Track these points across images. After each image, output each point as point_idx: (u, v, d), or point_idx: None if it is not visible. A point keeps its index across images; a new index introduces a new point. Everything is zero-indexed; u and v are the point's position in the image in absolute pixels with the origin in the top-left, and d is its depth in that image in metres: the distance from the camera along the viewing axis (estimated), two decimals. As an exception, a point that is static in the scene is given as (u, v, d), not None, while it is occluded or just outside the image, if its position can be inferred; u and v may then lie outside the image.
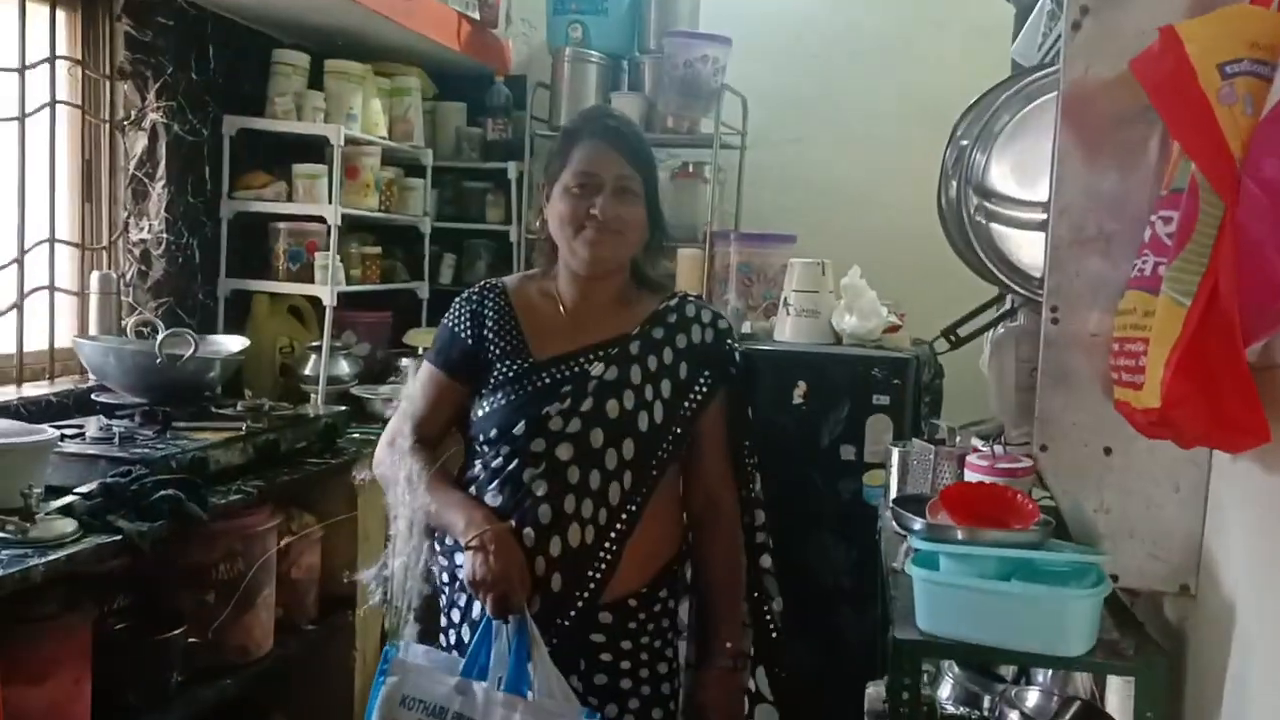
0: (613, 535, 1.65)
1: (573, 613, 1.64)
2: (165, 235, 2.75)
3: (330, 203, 2.88)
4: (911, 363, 2.84)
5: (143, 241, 2.74)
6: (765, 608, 1.82)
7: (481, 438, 1.70)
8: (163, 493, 1.84)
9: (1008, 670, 2.19)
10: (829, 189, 3.51)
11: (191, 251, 2.85)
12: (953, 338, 2.12)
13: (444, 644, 1.75)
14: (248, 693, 2.21)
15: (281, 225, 2.95)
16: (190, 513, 1.87)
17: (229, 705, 2.14)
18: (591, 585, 1.64)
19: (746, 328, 3.12)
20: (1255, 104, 1.11)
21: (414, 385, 1.77)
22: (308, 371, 2.91)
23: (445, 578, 1.74)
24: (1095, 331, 1.44)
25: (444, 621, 1.76)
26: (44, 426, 1.90)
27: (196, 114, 2.82)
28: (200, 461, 2.05)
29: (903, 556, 1.70)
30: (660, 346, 1.73)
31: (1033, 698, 1.98)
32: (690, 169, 3.43)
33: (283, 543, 2.25)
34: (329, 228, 2.87)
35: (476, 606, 1.65)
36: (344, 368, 2.98)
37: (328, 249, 2.88)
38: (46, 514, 1.71)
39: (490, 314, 1.74)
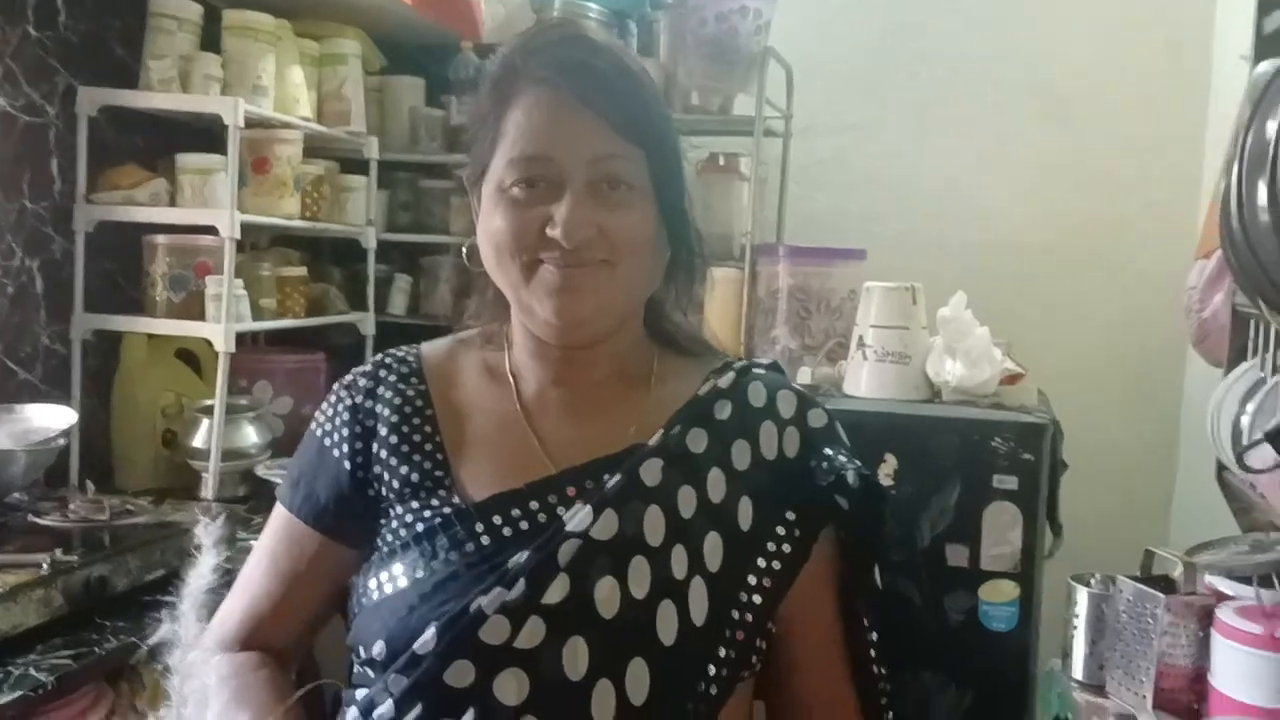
0: None
1: None
2: (-15, 255, 1.92)
3: (228, 207, 2.05)
4: (1048, 429, 2.02)
5: (-49, 265, 1.91)
6: None
7: (362, 655, 0.97)
8: None
9: None
10: (905, 189, 2.73)
11: (30, 278, 2.02)
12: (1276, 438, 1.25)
13: None
14: None
15: (160, 239, 2.11)
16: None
17: None
18: None
19: (805, 376, 2.30)
20: None
21: (268, 541, 1.09)
22: (196, 443, 2.08)
23: None
24: None
25: None
26: None
27: (38, 86, 2.00)
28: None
29: None
30: (703, 469, 0.99)
31: None
32: (722, 162, 2.62)
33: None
34: (224, 241, 2.04)
35: None
36: (249, 436, 2.15)
37: (222, 272, 2.05)
38: None
39: (390, 415, 1.05)
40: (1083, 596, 1.45)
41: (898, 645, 1.97)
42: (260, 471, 2.10)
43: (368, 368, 1.12)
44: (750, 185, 2.55)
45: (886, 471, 2.08)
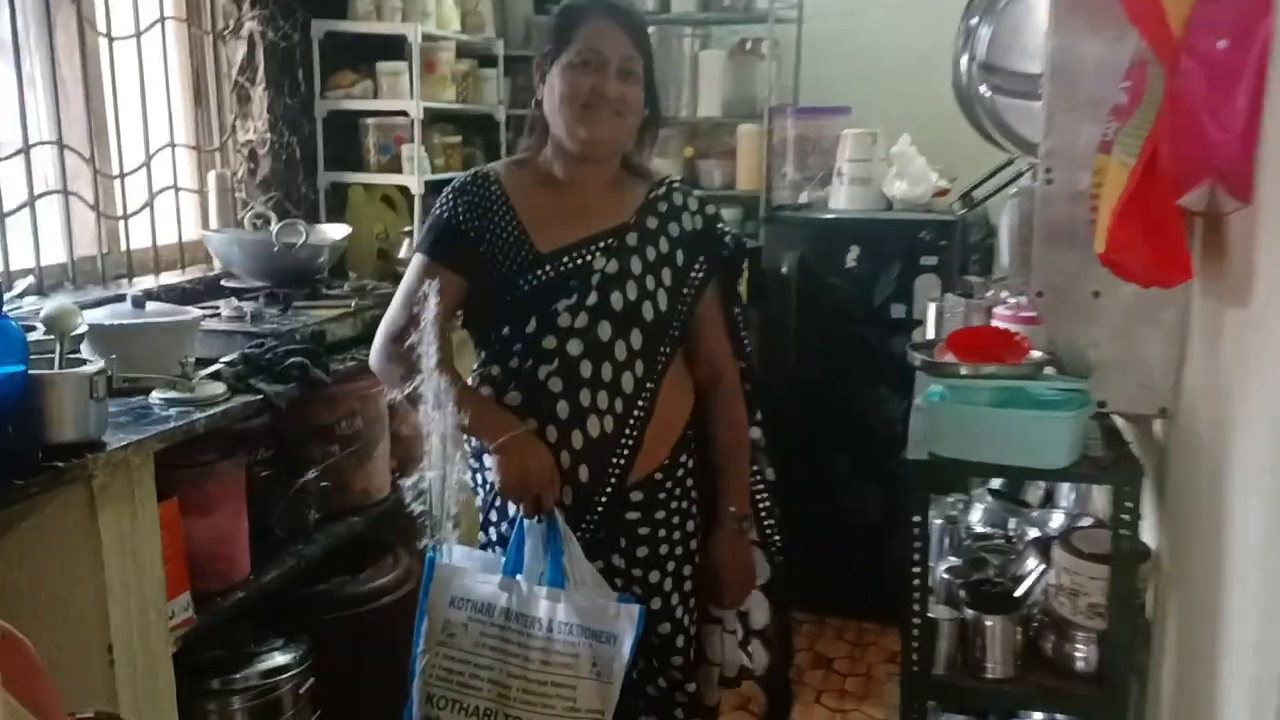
0: (631, 422, 1.69)
1: (604, 499, 1.70)
2: (269, 135, 3.04)
3: (412, 97, 3.13)
4: (957, 224, 3.01)
5: (249, 142, 3.04)
6: (758, 478, 1.89)
7: (493, 335, 1.73)
8: (292, 360, 2.18)
9: (1035, 498, 2.44)
10: (884, 59, 3.59)
11: (293, 149, 3.14)
12: (969, 200, 2.30)
13: (484, 542, 1.83)
14: (372, 530, 2.58)
15: (370, 121, 3.22)
16: (316, 377, 2.20)
17: (357, 540, 2.52)
18: (618, 471, 1.69)
19: (804, 198, 3.31)
20: (1196, -11, 1.28)
21: (408, 281, 1.75)
22: (402, 255, 3.21)
23: (479, 479, 1.79)
24: (1083, 190, 1.63)
25: (482, 521, 1.85)
26: (189, 308, 2.24)
27: (287, 20, 3.07)
28: (319, 334, 2.37)
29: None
30: (656, 236, 1.74)
31: (1053, 520, 2.24)
32: (748, 46, 3.57)
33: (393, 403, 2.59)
34: (412, 121, 3.13)
35: (512, 506, 1.72)
36: (434, 249, 3.27)
37: (413, 140, 3.14)
38: (200, 379, 2.05)
39: (488, 204, 1.72)
40: (931, 307, 2.43)
41: (861, 372, 3.02)
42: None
43: (468, 179, 1.74)
44: (768, 63, 3.49)
45: (853, 257, 3.10)
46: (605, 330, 1.67)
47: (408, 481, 1.67)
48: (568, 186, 1.74)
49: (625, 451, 1.69)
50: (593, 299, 1.67)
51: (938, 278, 2.99)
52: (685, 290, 1.75)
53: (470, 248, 1.70)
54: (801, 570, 3.27)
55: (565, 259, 1.69)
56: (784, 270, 3.18)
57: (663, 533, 1.77)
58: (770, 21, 3.40)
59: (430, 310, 1.59)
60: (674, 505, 1.77)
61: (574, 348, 1.66)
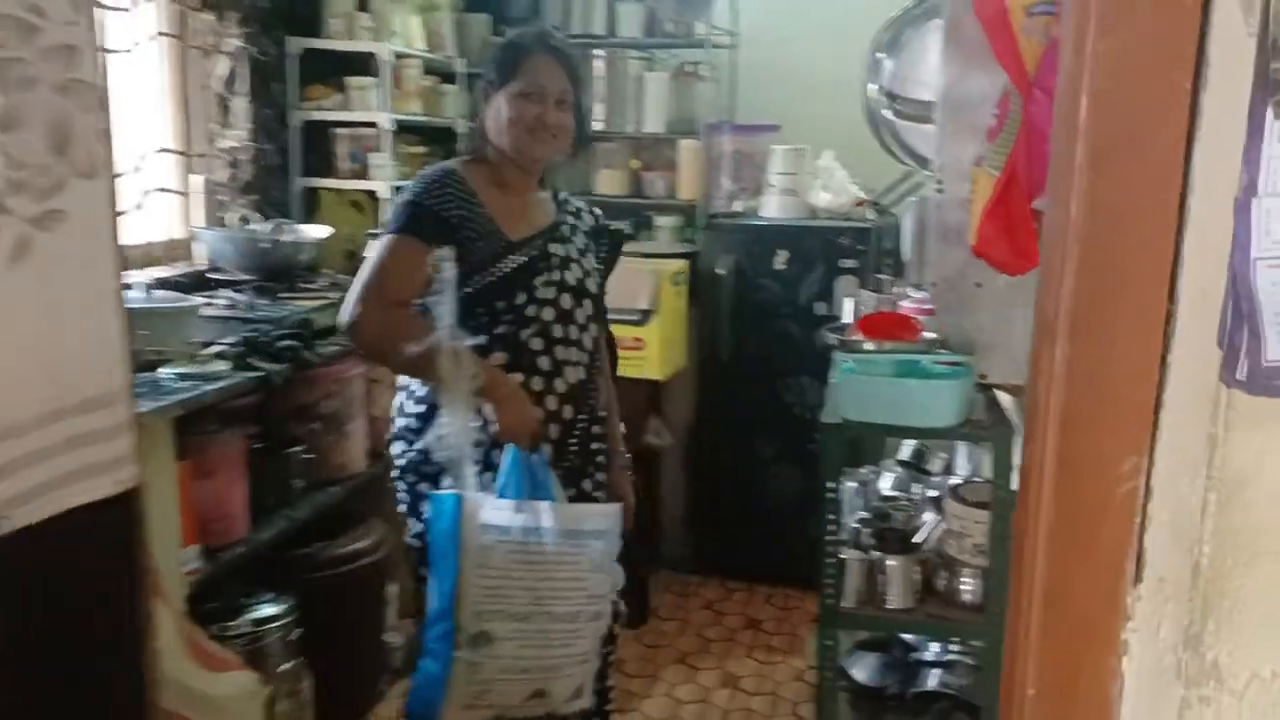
0: (593, 371, 2.09)
1: (578, 431, 2.05)
2: (249, 142, 3.30)
3: (381, 110, 3.41)
4: (873, 231, 3.38)
5: (231, 149, 3.29)
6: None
7: (481, 308, 1.97)
8: (285, 343, 2.45)
9: (937, 468, 2.80)
10: (810, 82, 3.91)
11: (270, 155, 3.40)
12: (877, 206, 2.65)
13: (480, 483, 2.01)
14: (350, 502, 2.85)
15: (341, 131, 3.49)
16: (307, 359, 2.47)
17: (336, 510, 2.79)
18: (589, 409, 2.08)
19: (738, 206, 3.65)
20: (1046, 36, 1.64)
21: (388, 255, 1.94)
22: (366, 255, 3.48)
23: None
24: (966, 198, 1.99)
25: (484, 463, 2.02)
26: (191, 296, 2.50)
27: (267, 37, 3.34)
28: (306, 322, 2.64)
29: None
30: (574, 230, 2.13)
31: (951, 484, 2.59)
32: (688, 68, 3.91)
33: (367, 386, 2.86)
34: (380, 132, 3.41)
35: (497, 454, 1.94)
36: (400, 250, 3.54)
37: (380, 149, 3.42)
38: (205, 358, 2.31)
39: (463, 198, 1.97)
40: (847, 303, 2.79)
41: (788, 362, 3.37)
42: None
43: (440, 172, 1.99)
44: (708, 84, 3.83)
45: (781, 260, 3.45)
46: (567, 300, 2.03)
47: (431, 434, 1.93)
48: (512, 189, 2.05)
49: (592, 393, 2.08)
50: (557, 276, 2.02)
51: (856, 278, 3.35)
52: (599, 269, 2.16)
53: (449, 233, 1.93)
54: (734, 543, 3.64)
55: (530, 246, 2.01)
56: (719, 271, 3.52)
57: (603, 459, 2.15)
58: (708, 46, 3.74)
59: (447, 278, 1.85)
60: (604, 439, 2.16)
61: (548, 314, 2.00)
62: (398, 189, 3.79)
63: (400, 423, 2.08)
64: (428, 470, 2.02)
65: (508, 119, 1.97)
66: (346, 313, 1.94)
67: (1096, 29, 0.68)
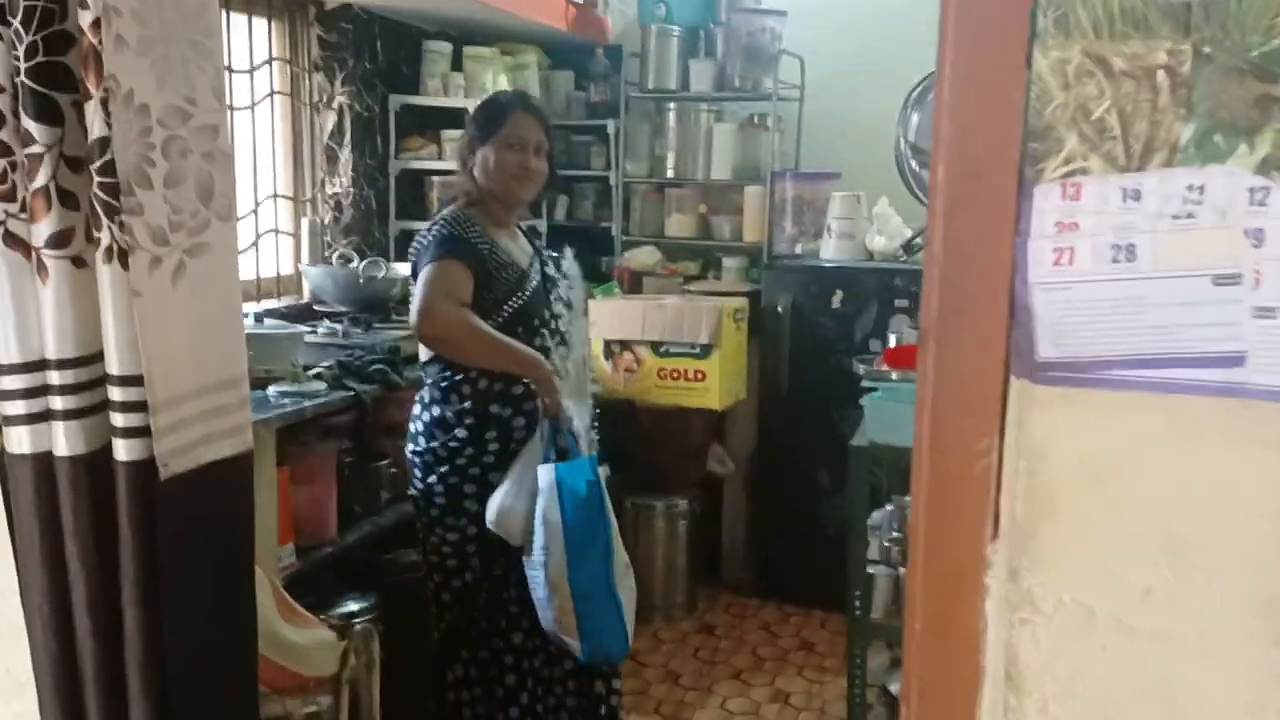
0: (584, 363, 2.44)
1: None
2: (351, 189, 3.66)
3: (471, 159, 3.74)
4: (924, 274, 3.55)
5: (336, 194, 3.66)
6: None
7: (517, 323, 2.32)
8: (375, 367, 2.75)
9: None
10: (869, 134, 4.10)
11: (370, 201, 3.76)
12: (910, 248, 2.84)
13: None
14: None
15: (435, 179, 3.83)
16: (394, 381, 2.78)
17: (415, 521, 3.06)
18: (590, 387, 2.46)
19: (799, 249, 3.87)
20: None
21: (440, 273, 2.24)
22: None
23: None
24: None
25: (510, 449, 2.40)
26: (296, 324, 2.83)
27: (370, 94, 3.71)
28: (394, 349, 2.95)
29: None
30: (545, 261, 2.48)
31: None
32: (755, 120, 4.16)
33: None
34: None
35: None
36: (484, 287, 3.86)
37: (470, 195, 3.74)
38: (307, 378, 2.63)
39: (483, 236, 2.31)
40: (892, 338, 2.98)
41: (843, 396, 3.56)
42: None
43: (463, 216, 2.31)
44: (772, 135, 4.07)
45: (838, 299, 3.65)
46: (564, 313, 2.42)
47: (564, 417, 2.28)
48: (503, 226, 2.40)
49: (589, 376, 2.50)
50: (554, 295, 2.42)
51: (908, 317, 3.53)
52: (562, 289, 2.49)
53: (482, 262, 2.28)
54: (792, 567, 3.81)
55: (534, 274, 2.40)
56: (780, 309, 3.74)
57: None
58: (774, 100, 3.99)
59: (466, 295, 2.25)
60: None
61: (553, 324, 2.39)
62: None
63: (425, 417, 2.40)
64: (461, 463, 2.33)
65: (496, 164, 2.32)
66: (416, 314, 2.25)
67: (947, 116, 0.91)
